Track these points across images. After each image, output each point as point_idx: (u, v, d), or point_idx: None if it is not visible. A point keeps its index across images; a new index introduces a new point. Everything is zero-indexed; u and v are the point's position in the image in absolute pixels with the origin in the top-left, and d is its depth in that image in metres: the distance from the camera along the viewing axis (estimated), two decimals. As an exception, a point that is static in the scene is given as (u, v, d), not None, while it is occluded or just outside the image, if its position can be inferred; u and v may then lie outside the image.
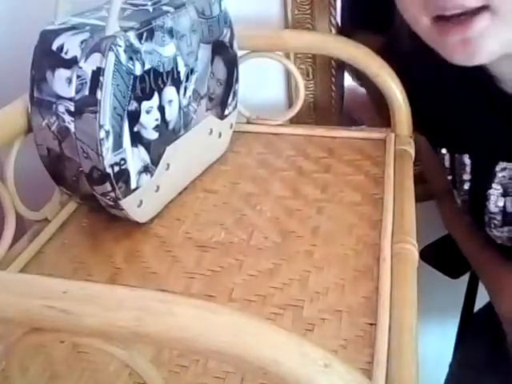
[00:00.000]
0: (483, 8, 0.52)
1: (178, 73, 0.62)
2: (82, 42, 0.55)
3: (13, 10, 0.80)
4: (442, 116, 0.72)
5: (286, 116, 0.81)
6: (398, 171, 0.68)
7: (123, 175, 0.57)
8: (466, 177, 0.72)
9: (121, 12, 0.55)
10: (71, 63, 0.55)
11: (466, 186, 0.72)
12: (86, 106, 0.54)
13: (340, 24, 0.99)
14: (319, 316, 0.51)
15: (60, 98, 0.55)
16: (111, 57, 0.53)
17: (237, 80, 0.73)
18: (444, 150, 0.73)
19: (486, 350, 0.85)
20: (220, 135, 0.73)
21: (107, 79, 0.53)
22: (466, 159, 0.71)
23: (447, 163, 0.73)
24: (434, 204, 0.87)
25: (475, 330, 0.93)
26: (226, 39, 0.69)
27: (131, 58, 0.55)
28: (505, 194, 0.70)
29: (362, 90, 1.12)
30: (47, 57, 0.56)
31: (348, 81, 1.07)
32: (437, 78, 0.70)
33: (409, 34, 0.60)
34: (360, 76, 0.94)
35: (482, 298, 0.94)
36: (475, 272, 0.85)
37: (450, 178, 0.74)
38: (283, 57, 0.79)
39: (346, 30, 0.98)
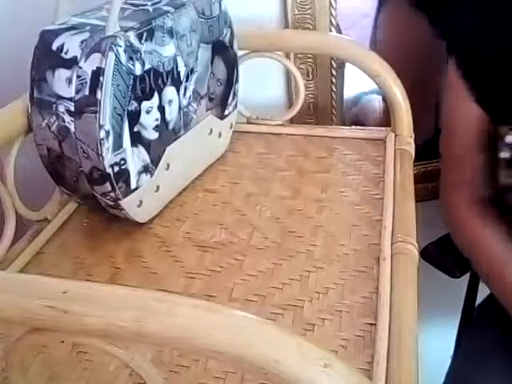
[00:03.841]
0: None
1: (178, 73, 0.62)
2: (82, 42, 0.55)
3: (13, 9, 0.80)
4: None
5: (286, 116, 0.81)
6: (398, 171, 0.68)
7: (123, 175, 0.57)
8: None
9: (121, 12, 0.55)
10: (71, 63, 0.55)
11: None
12: (86, 105, 0.54)
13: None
14: (319, 316, 0.51)
15: (60, 97, 0.55)
16: (111, 57, 0.53)
17: (237, 80, 0.73)
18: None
19: (489, 343, 0.85)
20: (220, 135, 0.73)
21: (107, 79, 0.53)
22: None
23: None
24: (434, 204, 0.87)
25: (478, 322, 0.92)
26: (226, 39, 0.69)
27: (131, 58, 0.55)
28: None
29: (374, 104, 1.10)
30: (47, 57, 0.56)
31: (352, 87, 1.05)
32: None
33: None
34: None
35: (482, 298, 0.94)
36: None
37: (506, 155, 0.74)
38: (283, 57, 0.79)
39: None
